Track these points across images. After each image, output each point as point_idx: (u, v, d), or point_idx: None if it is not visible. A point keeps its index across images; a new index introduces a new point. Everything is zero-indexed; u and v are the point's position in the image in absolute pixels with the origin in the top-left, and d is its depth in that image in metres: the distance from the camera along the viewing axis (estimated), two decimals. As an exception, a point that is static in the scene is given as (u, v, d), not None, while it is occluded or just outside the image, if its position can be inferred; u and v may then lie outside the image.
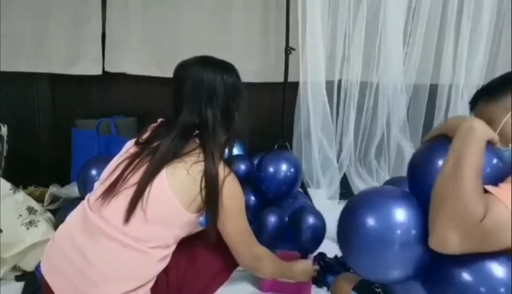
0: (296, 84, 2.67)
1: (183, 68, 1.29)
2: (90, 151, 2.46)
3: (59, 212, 1.95)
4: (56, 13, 2.44)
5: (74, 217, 1.23)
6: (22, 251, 1.71)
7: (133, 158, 1.20)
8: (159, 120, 1.32)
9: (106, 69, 2.57)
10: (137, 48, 2.62)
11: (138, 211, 1.14)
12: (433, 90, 2.91)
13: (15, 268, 1.75)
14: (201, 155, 1.19)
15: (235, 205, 1.24)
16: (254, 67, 2.72)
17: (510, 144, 1.07)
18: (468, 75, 2.82)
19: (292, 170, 2.08)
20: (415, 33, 2.74)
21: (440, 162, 1.00)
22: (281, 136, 2.65)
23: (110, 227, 1.13)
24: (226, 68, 1.31)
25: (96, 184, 1.24)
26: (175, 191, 1.15)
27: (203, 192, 1.17)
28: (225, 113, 1.26)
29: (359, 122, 2.85)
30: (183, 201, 1.16)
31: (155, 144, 1.21)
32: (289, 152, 2.55)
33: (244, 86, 1.33)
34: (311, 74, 2.62)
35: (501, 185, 0.93)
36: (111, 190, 1.15)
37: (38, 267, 1.68)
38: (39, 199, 2.19)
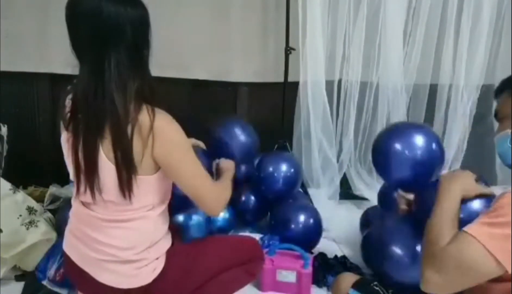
0: (296, 84, 2.67)
1: (73, 3, 1.10)
2: (90, 150, 2.46)
3: (59, 212, 1.95)
4: (56, 13, 2.41)
5: (72, 213, 1.27)
6: (22, 251, 1.71)
7: (73, 146, 1.13)
8: (68, 88, 1.17)
9: (106, 69, 2.57)
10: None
11: (104, 197, 1.15)
12: (433, 90, 2.91)
13: (15, 268, 1.75)
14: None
15: (177, 149, 1.13)
16: (254, 67, 2.72)
17: None
18: (468, 75, 2.82)
19: (292, 170, 2.08)
20: (415, 33, 2.74)
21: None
22: (281, 136, 2.65)
23: (99, 214, 1.18)
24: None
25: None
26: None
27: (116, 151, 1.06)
28: (134, 54, 1.08)
29: (359, 122, 2.85)
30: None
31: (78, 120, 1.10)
32: (289, 152, 2.56)
33: (149, 17, 1.13)
34: (311, 74, 2.62)
35: (476, 219, 0.93)
36: (78, 185, 1.16)
37: (38, 267, 1.69)
38: (39, 199, 2.19)
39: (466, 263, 0.90)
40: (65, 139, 1.18)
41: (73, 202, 1.26)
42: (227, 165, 1.54)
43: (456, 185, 1.09)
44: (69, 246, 1.26)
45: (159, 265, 1.22)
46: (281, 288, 1.71)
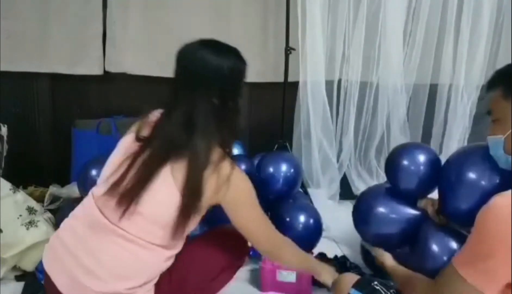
0: (296, 84, 2.66)
1: (185, 50, 1.22)
2: (90, 151, 2.46)
3: (59, 212, 1.95)
4: (57, 13, 2.43)
5: (79, 213, 1.23)
6: (22, 251, 1.71)
7: (134, 156, 1.16)
8: (156, 112, 1.24)
9: (107, 69, 2.57)
10: (137, 48, 2.62)
11: (138, 210, 1.13)
12: (433, 90, 2.91)
13: (15, 268, 1.75)
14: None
15: (245, 199, 1.22)
16: (254, 67, 2.70)
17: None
18: (468, 75, 2.82)
19: (292, 170, 2.08)
20: (415, 33, 2.74)
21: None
22: (281, 136, 2.65)
23: (115, 225, 1.14)
24: (232, 52, 1.23)
25: (98, 181, 1.23)
26: (180, 190, 1.12)
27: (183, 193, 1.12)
28: (219, 105, 1.17)
29: (359, 122, 2.85)
30: None
31: (155, 140, 1.16)
32: (289, 152, 2.55)
33: (245, 71, 1.24)
34: (311, 74, 2.62)
35: (463, 246, 0.98)
36: (114, 189, 1.14)
37: (38, 267, 1.68)
38: (39, 199, 2.19)
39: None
40: (129, 142, 1.20)
41: (86, 201, 1.22)
42: (329, 268, 1.47)
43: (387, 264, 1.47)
44: (53, 264, 1.18)
45: None
46: (281, 288, 1.70)
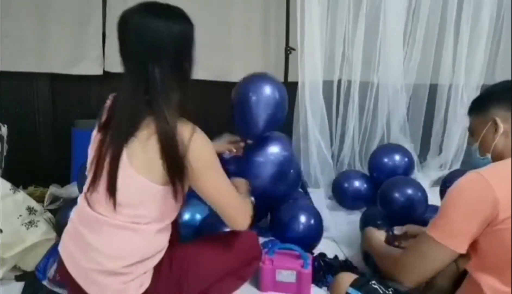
0: (296, 85, 2.66)
1: (123, 19, 1.14)
2: (90, 151, 2.46)
3: (59, 212, 1.94)
4: (57, 13, 2.43)
5: (76, 211, 1.27)
6: (22, 251, 1.71)
7: (99, 146, 1.17)
8: (110, 96, 1.23)
9: (107, 69, 2.57)
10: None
11: (119, 198, 1.15)
12: (433, 90, 2.91)
13: (15, 268, 1.75)
14: (153, 125, 1.12)
15: (208, 164, 1.18)
16: (254, 67, 2.72)
17: (488, 154, 1.24)
18: (467, 75, 2.83)
19: (292, 170, 2.08)
20: (415, 33, 2.75)
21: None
22: (281, 136, 2.65)
23: (103, 216, 1.17)
24: (172, 13, 1.16)
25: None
26: (142, 172, 1.13)
27: (165, 160, 1.11)
28: (176, 68, 1.14)
29: (359, 122, 2.85)
30: (153, 178, 1.13)
31: (112, 122, 1.16)
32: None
33: (193, 31, 1.18)
34: (310, 75, 2.61)
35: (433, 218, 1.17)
36: (94, 184, 1.17)
37: (38, 267, 1.69)
38: (39, 199, 2.19)
39: (422, 255, 1.16)
40: (94, 134, 1.22)
41: (79, 199, 1.26)
42: (242, 185, 1.47)
43: (373, 237, 1.55)
44: (64, 250, 1.25)
45: (146, 281, 1.20)
46: (281, 288, 1.70)
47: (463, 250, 1.12)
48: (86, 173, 1.23)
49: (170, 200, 1.18)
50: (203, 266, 1.31)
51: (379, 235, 1.56)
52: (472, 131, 1.31)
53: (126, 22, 1.13)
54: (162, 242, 1.24)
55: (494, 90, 1.28)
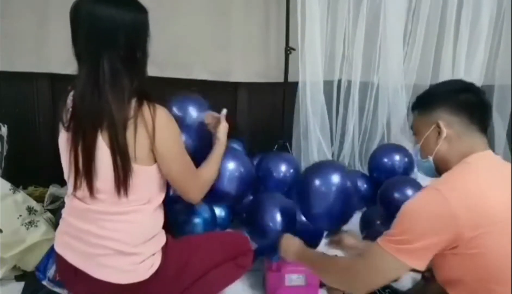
0: (296, 84, 2.67)
1: (75, 6, 1.12)
2: (90, 151, 2.46)
3: (59, 212, 1.94)
4: (56, 13, 2.43)
5: (66, 210, 1.29)
6: (22, 251, 1.71)
7: (72, 143, 1.16)
8: (68, 88, 1.21)
9: (106, 69, 2.57)
10: (137, 48, 2.62)
11: (102, 189, 1.17)
12: (433, 90, 2.90)
13: (15, 268, 1.75)
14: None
15: (173, 145, 1.21)
16: (254, 67, 2.72)
17: (430, 157, 1.19)
18: (468, 75, 2.82)
19: (292, 170, 2.08)
20: (415, 33, 2.74)
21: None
22: (281, 136, 2.65)
23: (95, 207, 1.19)
24: (125, 0, 1.14)
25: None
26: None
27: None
28: (128, 57, 1.12)
29: (360, 122, 2.85)
30: (133, 159, 1.14)
31: (76, 118, 1.15)
32: (289, 152, 2.56)
33: (147, 19, 1.16)
34: (310, 75, 2.62)
35: (386, 232, 1.11)
36: (76, 182, 1.18)
37: (38, 267, 1.69)
38: (39, 199, 2.19)
39: (373, 266, 1.10)
40: (64, 138, 1.20)
41: (66, 199, 1.27)
42: (222, 138, 1.47)
43: (292, 248, 1.42)
44: (61, 246, 1.26)
45: (156, 262, 1.23)
46: (290, 292, 1.68)
47: (419, 266, 1.05)
48: (66, 176, 1.24)
49: (159, 177, 1.22)
50: (204, 250, 1.36)
51: (298, 242, 1.44)
52: (415, 131, 1.24)
53: (78, 9, 1.11)
54: (161, 218, 1.28)
55: (441, 90, 1.20)
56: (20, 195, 1.82)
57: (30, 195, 2.00)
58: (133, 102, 1.13)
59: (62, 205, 2.20)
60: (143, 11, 1.16)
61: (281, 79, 2.61)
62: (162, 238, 1.27)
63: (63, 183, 2.45)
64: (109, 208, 1.19)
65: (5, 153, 2.20)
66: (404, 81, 2.78)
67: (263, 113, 2.84)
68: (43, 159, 2.64)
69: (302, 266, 1.68)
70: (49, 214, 1.91)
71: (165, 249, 1.27)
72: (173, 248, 1.29)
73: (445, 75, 2.83)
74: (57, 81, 2.57)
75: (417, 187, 2.02)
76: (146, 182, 1.20)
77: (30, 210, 1.81)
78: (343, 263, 1.22)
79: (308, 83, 2.62)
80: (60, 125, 1.19)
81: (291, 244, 1.43)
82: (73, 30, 1.14)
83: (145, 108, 1.13)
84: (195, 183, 1.31)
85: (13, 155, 2.26)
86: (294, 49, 2.55)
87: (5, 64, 2.40)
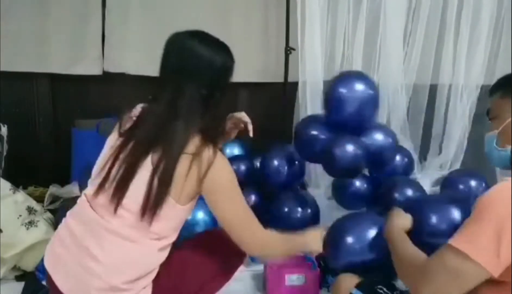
0: (296, 84, 2.66)
1: (173, 37, 1.22)
2: (90, 151, 2.42)
3: (59, 212, 1.95)
4: (56, 13, 2.44)
5: (73, 214, 1.24)
6: (22, 251, 1.71)
7: (118, 151, 1.17)
8: (139, 106, 1.25)
9: (106, 69, 2.57)
10: (137, 48, 2.62)
11: (126, 205, 1.14)
12: (433, 90, 2.91)
13: (15, 268, 1.75)
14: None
15: (225, 186, 1.19)
16: (254, 67, 2.72)
17: (508, 146, 1.07)
18: (467, 75, 2.82)
19: (297, 162, 2.10)
20: (415, 33, 2.74)
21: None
22: (281, 136, 2.65)
23: (107, 221, 1.15)
24: (219, 45, 1.23)
25: (89, 181, 1.24)
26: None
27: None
28: (207, 94, 1.17)
29: (359, 122, 2.84)
30: (173, 192, 1.13)
31: (137, 130, 1.17)
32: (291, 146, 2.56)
33: (233, 68, 1.25)
34: (310, 75, 2.61)
35: (459, 229, 0.98)
36: (102, 187, 1.16)
37: (38, 267, 1.69)
38: (39, 199, 2.19)
39: (452, 272, 0.94)
40: (113, 139, 1.21)
41: (80, 201, 1.24)
42: (317, 249, 1.39)
43: (394, 227, 1.24)
44: (52, 262, 1.21)
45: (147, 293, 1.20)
46: (289, 292, 1.67)
47: (494, 271, 0.90)
48: (94, 175, 1.21)
49: (180, 221, 1.20)
50: (193, 271, 1.31)
51: (403, 223, 1.27)
52: (494, 115, 1.10)
53: (174, 40, 1.21)
54: (163, 258, 1.23)
55: None
56: (20, 195, 1.82)
57: (30, 195, 2.00)
58: (197, 140, 1.15)
59: (62, 205, 2.23)
60: (232, 59, 1.24)
61: (281, 79, 2.61)
62: (155, 271, 1.22)
63: (63, 183, 2.45)
64: (121, 230, 1.15)
65: (5, 153, 2.20)
66: (404, 81, 2.78)
67: (263, 113, 2.84)
68: (43, 159, 2.65)
69: (302, 266, 1.69)
70: (49, 214, 1.91)
71: (157, 280, 1.22)
72: (162, 275, 1.24)
73: (445, 75, 2.84)
74: (57, 81, 2.56)
75: (417, 186, 2.02)
76: (171, 217, 1.17)
77: (30, 210, 1.81)
78: (418, 262, 1.06)
79: (308, 83, 2.62)
80: (116, 127, 1.22)
81: (400, 223, 1.26)
82: (165, 56, 1.21)
83: (206, 149, 1.14)
84: (252, 237, 1.24)
85: (13, 155, 2.26)
86: (294, 49, 2.55)
87: (5, 64, 2.40)
